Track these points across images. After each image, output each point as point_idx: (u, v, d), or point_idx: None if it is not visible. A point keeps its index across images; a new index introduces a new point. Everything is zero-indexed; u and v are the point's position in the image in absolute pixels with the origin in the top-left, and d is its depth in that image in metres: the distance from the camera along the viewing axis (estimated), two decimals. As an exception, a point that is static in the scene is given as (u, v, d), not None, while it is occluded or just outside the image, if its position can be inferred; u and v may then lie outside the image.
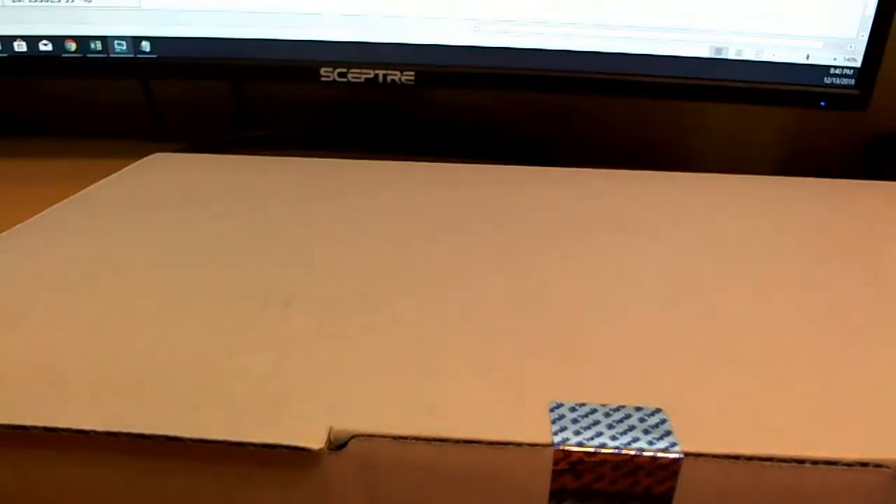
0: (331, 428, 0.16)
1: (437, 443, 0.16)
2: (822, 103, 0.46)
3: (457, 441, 0.16)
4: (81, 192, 0.34)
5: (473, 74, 0.46)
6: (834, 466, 0.16)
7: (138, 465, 0.17)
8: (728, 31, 0.45)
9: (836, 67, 0.46)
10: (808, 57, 0.45)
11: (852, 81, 0.46)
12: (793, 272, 0.26)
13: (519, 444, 0.16)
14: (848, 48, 0.45)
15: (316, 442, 0.16)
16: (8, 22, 0.45)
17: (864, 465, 0.16)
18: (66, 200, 0.32)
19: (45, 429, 0.17)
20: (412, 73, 0.46)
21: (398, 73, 0.46)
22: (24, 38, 0.45)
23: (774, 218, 0.33)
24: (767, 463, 0.16)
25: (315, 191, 0.35)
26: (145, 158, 0.40)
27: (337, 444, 0.16)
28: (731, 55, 0.46)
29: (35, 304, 0.23)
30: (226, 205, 0.33)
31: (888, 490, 0.16)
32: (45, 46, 0.45)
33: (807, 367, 0.20)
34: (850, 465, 0.16)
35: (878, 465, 0.16)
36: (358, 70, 0.46)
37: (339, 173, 0.38)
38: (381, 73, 0.46)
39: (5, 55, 0.45)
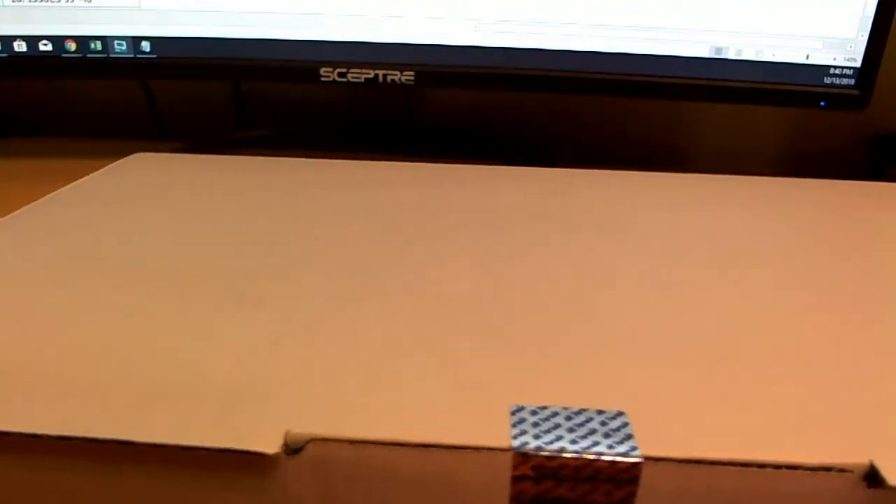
0: (287, 431, 0.16)
1: (395, 447, 0.16)
2: (822, 103, 0.46)
3: (414, 445, 0.16)
4: (54, 192, 0.33)
5: (473, 74, 0.46)
6: (796, 471, 0.16)
7: (92, 469, 0.17)
8: (728, 31, 0.45)
9: (835, 67, 0.46)
10: (807, 57, 0.46)
11: (852, 81, 0.46)
12: (781, 273, 0.26)
13: (477, 449, 0.16)
14: (848, 48, 0.45)
15: (271, 446, 0.16)
16: (8, 22, 0.45)
17: (827, 469, 0.16)
18: (37, 201, 0.32)
19: None
20: (412, 73, 0.46)
21: (398, 73, 0.46)
22: (24, 38, 0.45)
23: (770, 219, 0.33)
24: (729, 467, 0.16)
25: (293, 191, 0.34)
26: (125, 158, 0.40)
27: (293, 448, 0.16)
28: (731, 55, 0.46)
29: None
30: (201, 205, 0.32)
31: (852, 495, 0.16)
32: (45, 46, 0.45)
33: (774, 369, 0.19)
34: (813, 469, 0.16)
35: (841, 470, 0.16)
36: (358, 70, 0.46)
37: (321, 173, 0.38)
38: (381, 73, 0.46)
39: (5, 55, 0.45)
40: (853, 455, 0.16)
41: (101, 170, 0.37)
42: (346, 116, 0.60)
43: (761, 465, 0.16)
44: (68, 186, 0.34)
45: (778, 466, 0.16)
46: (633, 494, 0.16)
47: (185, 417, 0.16)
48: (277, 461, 0.16)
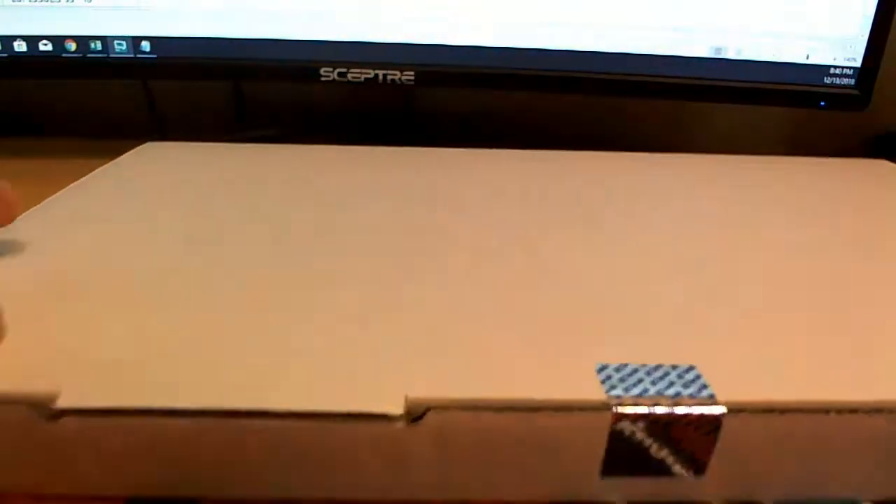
0: (406, 396, 0.17)
1: (507, 410, 0.17)
2: (822, 103, 0.46)
3: (524, 408, 0.17)
4: (74, 183, 0.34)
5: (473, 74, 0.46)
6: (854, 414, 0.18)
7: (227, 439, 0.18)
8: (728, 30, 0.45)
9: (836, 67, 0.46)
10: (808, 57, 0.46)
11: (852, 81, 0.46)
12: (787, 241, 0.29)
13: (579, 406, 0.17)
14: (848, 48, 0.45)
15: (396, 410, 0.17)
16: (8, 22, 0.45)
17: (879, 410, 0.18)
18: (59, 192, 0.32)
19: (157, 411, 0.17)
20: (412, 73, 0.46)
21: (398, 72, 0.46)
22: (24, 38, 0.45)
23: (772, 191, 0.36)
24: (796, 414, 0.18)
25: (308, 175, 0.36)
26: (136, 148, 0.40)
27: (414, 416, 0.17)
28: (731, 55, 0.46)
29: (72, 293, 0.23)
30: (225, 191, 0.33)
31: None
32: (45, 46, 0.45)
33: (813, 326, 0.22)
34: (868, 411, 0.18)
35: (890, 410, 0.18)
36: (358, 70, 0.46)
37: (338, 159, 0.39)
38: (381, 72, 0.46)
39: (5, 55, 0.45)
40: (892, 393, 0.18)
41: (116, 160, 0.38)
42: (346, 116, 0.60)
43: (812, 410, 0.18)
44: (87, 177, 0.35)
45: (828, 410, 0.18)
46: (714, 439, 0.18)
47: (307, 387, 0.18)
48: (399, 424, 0.17)
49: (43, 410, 0.17)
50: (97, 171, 0.36)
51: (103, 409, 0.17)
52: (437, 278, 0.24)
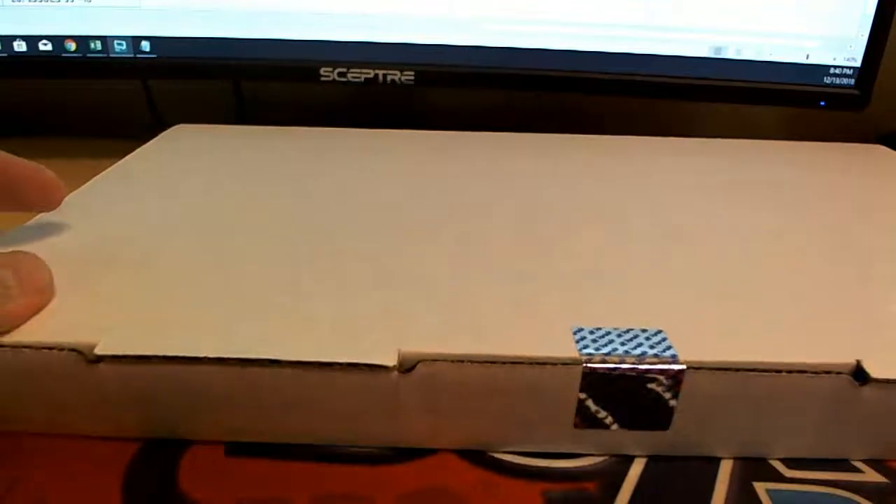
0: (399, 350, 0.20)
1: (489, 364, 0.19)
2: (822, 103, 0.46)
3: (504, 361, 0.19)
4: (112, 167, 0.36)
5: (473, 74, 0.46)
6: (802, 374, 0.19)
7: (249, 382, 0.20)
8: (728, 30, 0.45)
9: (835, 67, 0.46)
10: (807, 57, 0.46)
11: (852, 81, 0.46)
12: (771, 220, 0.31)
13: (555, 363, 0.19)
14: (848, 48, 0.45)
15: (390, 362, 0.19)
16: (8, 22, 0.45)
17: (827, 372, 0.20)
18: (98, 176, 0.34)
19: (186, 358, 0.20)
20: (412, 73, 0.46)
21: (398, 72, 0.46)
22: (23, 37, 0.45)
23: (765, 172, 0.38)
24: (752, 373, 0.19)
25: (329, 156, 0.38)
26: (167, 131, 0.43)
27: (406, 367, 0.19)
28: (731, 55, 0.46)
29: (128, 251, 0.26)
30: (256, 170, 0.36)
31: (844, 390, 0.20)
32: (44, 46, 0.45)
33: (774, 296, 0.24)
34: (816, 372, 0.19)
35: (836, 372, 0.19)
36: (358, 70, 0.46)
37: (359, 141, 0.41)
38: (380, 72, 0.46)
39: (5, 55, 0.45)
40: (843, 357, 0.20)
41: (148, 143, 0.40)
42: (346, 116, 0.60)
43: (766, 370, 0.19)
44: (123, 160, 0.37)
45: (780, 370, 0.19)
46: (676, 392, 0.20)
47: (315, 341, 0.20)
48: (393, 374, 0.19)
49: (84, 356, 0.20)
50: (132, 154, 0.38)
51: (135, 356, 0.20)
52: (432, 250, 0.26)
